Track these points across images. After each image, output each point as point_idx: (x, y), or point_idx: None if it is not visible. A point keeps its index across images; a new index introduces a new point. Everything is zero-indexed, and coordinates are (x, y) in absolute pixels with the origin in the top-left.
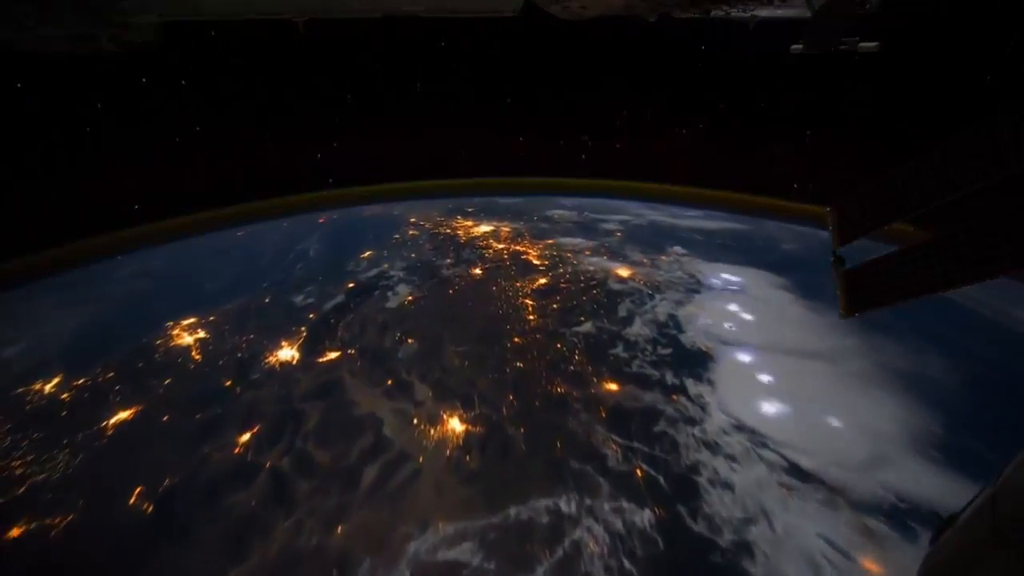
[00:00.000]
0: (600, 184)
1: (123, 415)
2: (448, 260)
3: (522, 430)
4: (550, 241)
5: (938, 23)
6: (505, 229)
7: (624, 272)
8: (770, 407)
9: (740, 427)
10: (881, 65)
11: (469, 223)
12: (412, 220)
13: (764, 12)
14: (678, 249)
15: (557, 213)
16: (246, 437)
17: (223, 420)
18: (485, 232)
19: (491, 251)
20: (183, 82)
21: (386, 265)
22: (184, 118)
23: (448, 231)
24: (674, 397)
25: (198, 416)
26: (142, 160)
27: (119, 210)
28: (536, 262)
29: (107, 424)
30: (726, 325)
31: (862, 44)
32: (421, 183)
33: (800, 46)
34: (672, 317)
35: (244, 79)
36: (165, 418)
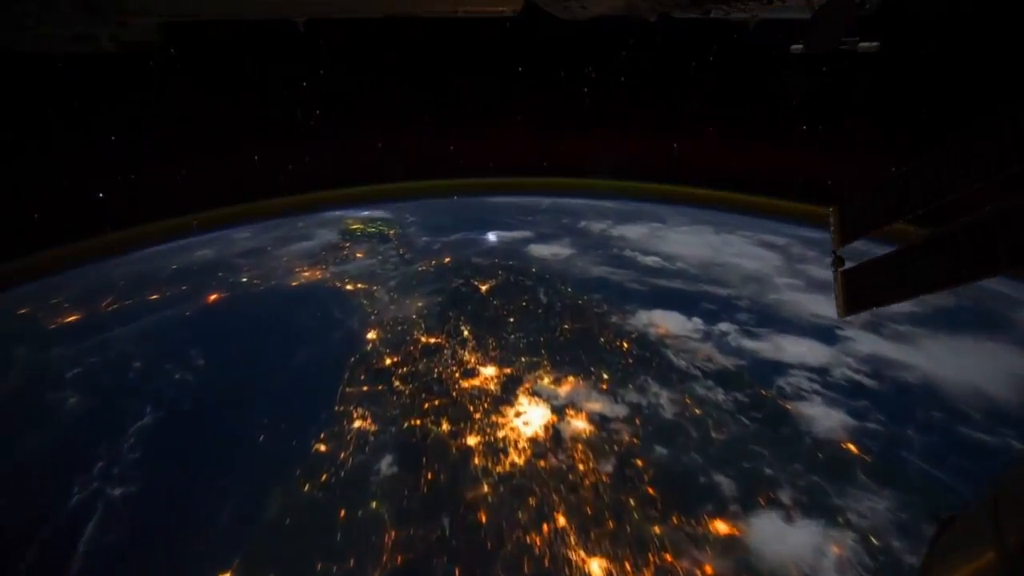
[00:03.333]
0: (625, 186)
1: None
2: None
3: None
4: (734, 532)
5: (937, 23)
6: (577, 426)
7: None
8: None
9: None
10: (881, 65)
11: (490, 376)
12: (370, 338)
13: (765, 12)
14: None
15: (660, 330)
16: None
17: None
18: (529, 441)
19: None
20: (182, 82)
21: None
22: (177, 118)
23: (442, 425)
24: None
25: None
26: (143, 160)
27: (116, 210)
28: None
29: None
30: None
31: (862, 44)
32: (421, 183)
33: (800, 46)
34: None
35: (241, 78)
36: None
